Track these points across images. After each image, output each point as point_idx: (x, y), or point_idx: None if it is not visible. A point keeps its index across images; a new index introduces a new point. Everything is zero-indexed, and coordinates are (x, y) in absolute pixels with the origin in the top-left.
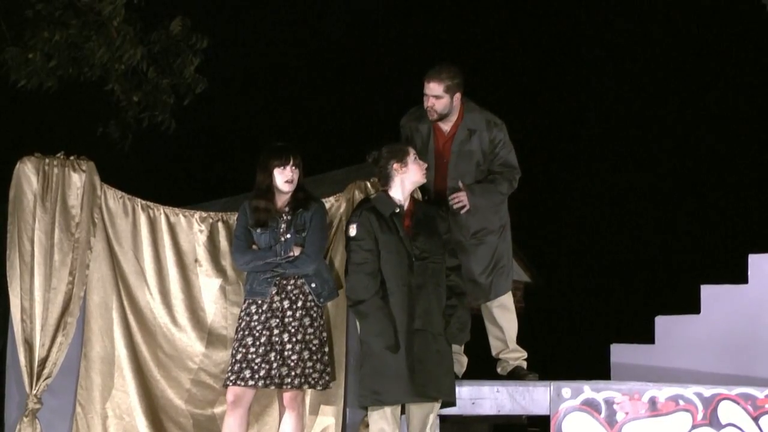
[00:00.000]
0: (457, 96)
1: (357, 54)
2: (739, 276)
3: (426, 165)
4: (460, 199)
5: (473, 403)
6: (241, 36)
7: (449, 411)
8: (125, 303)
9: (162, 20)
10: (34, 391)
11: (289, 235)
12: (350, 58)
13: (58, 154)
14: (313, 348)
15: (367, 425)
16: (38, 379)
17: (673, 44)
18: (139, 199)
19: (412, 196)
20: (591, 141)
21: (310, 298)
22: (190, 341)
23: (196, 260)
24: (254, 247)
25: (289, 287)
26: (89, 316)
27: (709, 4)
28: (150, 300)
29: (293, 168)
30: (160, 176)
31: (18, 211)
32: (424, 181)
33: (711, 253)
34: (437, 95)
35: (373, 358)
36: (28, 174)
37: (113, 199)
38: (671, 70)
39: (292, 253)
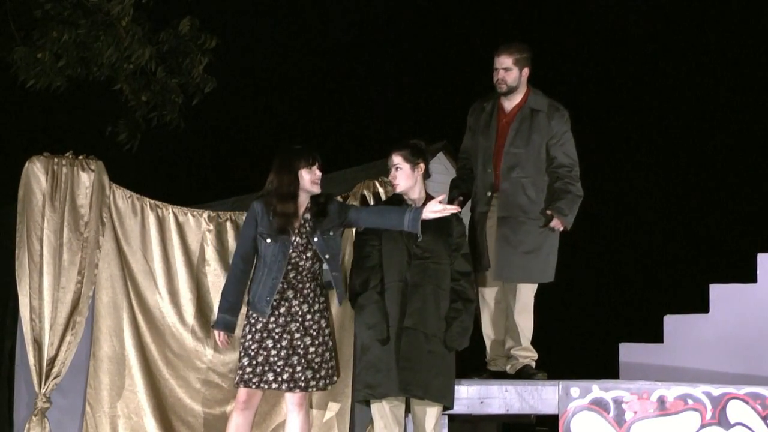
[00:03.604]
0: (526, 71)
1: (365, 53)
2: (748, 275)
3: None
4: (556, 228)
5: (482, 402)
6: (250, 35)
7: (458, 410)
8: (134, 302)
9: (171, 20)
10: (43, 390)
11: (316, 240)
12: (358, 58)
13: (67, 154)
14: (329, 348)
15: None
16: (47, 378)
17: (682, 41)
18: (147, 199)
19: (428, 195)
20: (599, 140)
21: (322, 299)
22: (198, 341)
23: (204, 260)
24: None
25: (305, 291)
26: (98, 315)
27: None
28: (158, 299)
29: (319, 167)
30: (168, 176)
31: (27, 211)
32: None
33: (720, 253)
34: (507, 67)
35: (367, 352)
36: (37, 173)
37: (122, 198)
38: (678, 67)
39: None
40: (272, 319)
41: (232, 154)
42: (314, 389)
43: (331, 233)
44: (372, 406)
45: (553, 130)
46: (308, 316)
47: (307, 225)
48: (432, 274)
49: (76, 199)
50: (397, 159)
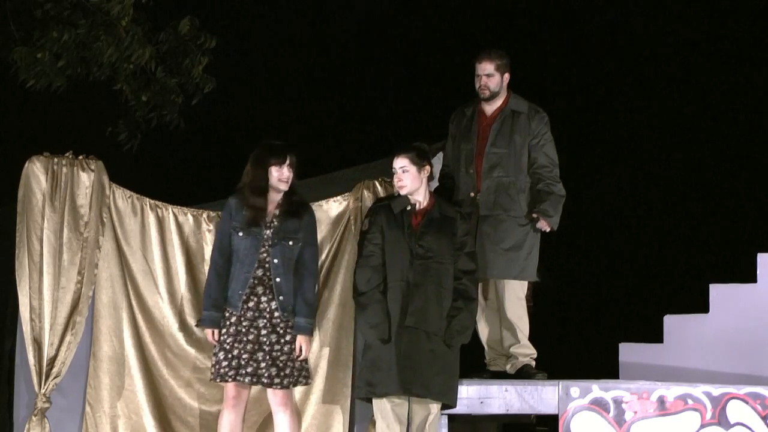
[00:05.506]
0: (506, 76)
1: (365, 53)
2: (748, 275)
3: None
4: (543, 229)
5: (482, 402)
6: (250, 35)
7: (458, 410)
8: (134, 302)
9: (170, 20)
10: (43, 390)
11: (275, 245)
12: (358, 58)
13: (67, 154)
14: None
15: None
16: (47, 378)
17: (681, 37)
18: (147, 199)
19: (432, 194)
20: (598, 140)
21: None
22: (197, 341)
23: (204, 260)
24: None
25: (275, 287)
26: (98, 315)
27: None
28: (158, 299)
29: (289, 167)
30: (168, 176)
31: (27, 211)
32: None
33: (720, 253)
34: (489, 73)
35: (370, 351)
36: (37, 173)
37: (122, 198)
38: (679, 66)
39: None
40: (242, 313)
41: (231, 154)
42: (278, 387)
43: (290, 243)
44: (374, 404)
45: (534, 131)
46: (276, 314)
47: (275, 221)
48: (434, 273)
49: (76, 199)
50: (403, 162)
